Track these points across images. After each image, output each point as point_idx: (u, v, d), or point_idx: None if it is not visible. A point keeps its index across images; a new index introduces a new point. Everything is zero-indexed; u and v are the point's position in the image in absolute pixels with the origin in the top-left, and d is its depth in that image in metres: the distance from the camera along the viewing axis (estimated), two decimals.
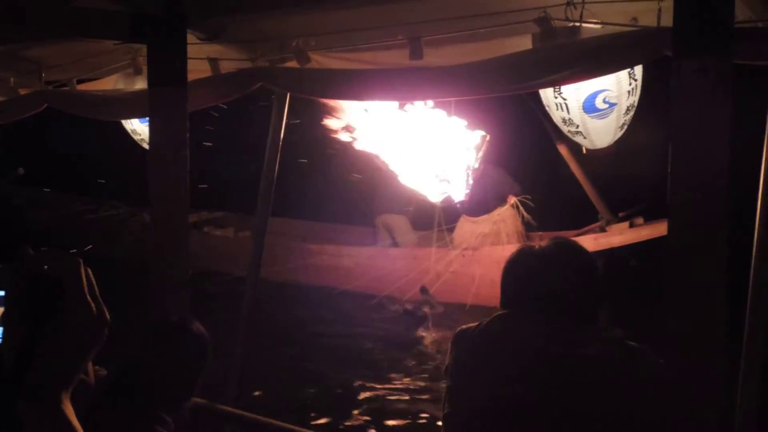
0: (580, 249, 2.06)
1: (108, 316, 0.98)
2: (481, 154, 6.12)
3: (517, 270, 2.02)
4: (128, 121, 5.17)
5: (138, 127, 5.23)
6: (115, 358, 2.14)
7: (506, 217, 7.95)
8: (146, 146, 4.77)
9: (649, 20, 3.01)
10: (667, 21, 2.59)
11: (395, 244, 8.94)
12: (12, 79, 4.95)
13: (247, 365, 4.37)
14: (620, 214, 7.25)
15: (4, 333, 0.98)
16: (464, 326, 2.00)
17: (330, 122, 5.06)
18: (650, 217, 7.14)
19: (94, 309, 0.96)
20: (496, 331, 1.91)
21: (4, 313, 0.98)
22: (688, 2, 2.32)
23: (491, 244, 7.84)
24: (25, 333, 0.93)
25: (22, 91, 4.95)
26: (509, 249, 7.65)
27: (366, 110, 4.98)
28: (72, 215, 10.52)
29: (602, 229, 7.31)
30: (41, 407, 0.91)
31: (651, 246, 6.71)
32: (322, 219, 10.13)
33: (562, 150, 7.04)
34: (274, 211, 4.47)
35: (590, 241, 6.98)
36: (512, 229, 7.94)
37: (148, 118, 3.68)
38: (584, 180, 7.16)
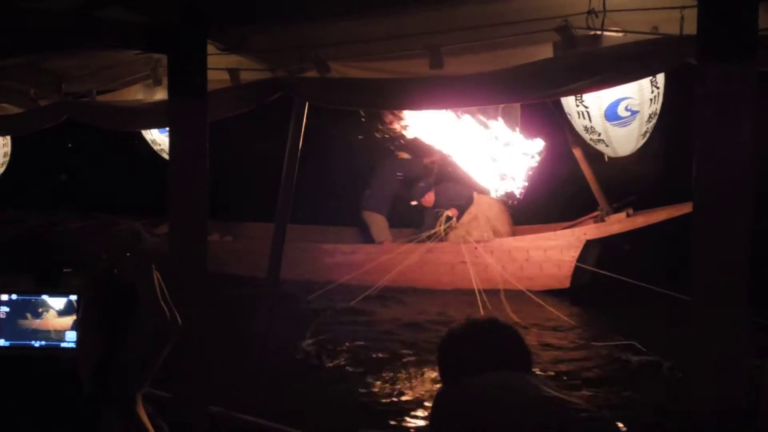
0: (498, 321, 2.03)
1: (180, 320, 1.00)
2: (539, 158, 6.61)
3: (468, 341, 1.94)
4: (148, 131, 5.20)
5: (158, 137, 5.26)
6: None
7: (489, 208, 8.85)
8: (166, 156, 4.79)
9: (670, 28, 2.99)
10: (689, 29, 2.57)
11: (370, 241, 9.49)
12: (32, 91, 4.98)
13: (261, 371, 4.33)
14: (613, 205, 8.23)
15: (79, 337, 0.99)
16: (442, 387, 1.93)
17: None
18: (638, 208, 8.29)
19: (168, 314, 0.99)
20: (480, 387, 1.83)
21: (80, 319, 0.99)
22: (713, 10, 2.30)
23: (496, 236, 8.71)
24: (102, 339, 0.95)
25: (42, 103, 4.98)
26: (520, 239, 8.33)
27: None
28: None
29: (602, 219, 8.30)
30: (119, 409, 0.95)
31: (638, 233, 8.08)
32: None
33: (577, 153, 7.85)
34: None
35: (594, 229, 8.24)
36: (502, 221, 8.87)
37: (168, 128, 3.69)
38: (592, 179, 8.11)
